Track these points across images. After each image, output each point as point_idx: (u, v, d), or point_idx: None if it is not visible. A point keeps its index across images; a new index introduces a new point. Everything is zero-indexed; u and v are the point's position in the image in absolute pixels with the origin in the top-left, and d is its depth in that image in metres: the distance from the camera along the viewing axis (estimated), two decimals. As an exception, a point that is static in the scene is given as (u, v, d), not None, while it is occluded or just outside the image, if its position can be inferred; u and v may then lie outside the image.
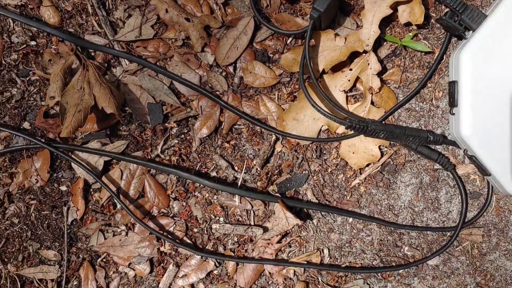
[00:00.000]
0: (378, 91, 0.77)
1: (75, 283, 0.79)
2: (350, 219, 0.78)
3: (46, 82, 0.78)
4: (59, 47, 0.78)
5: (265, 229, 0.77)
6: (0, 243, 0.79)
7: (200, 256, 0.77)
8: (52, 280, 0.78)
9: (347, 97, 0.78)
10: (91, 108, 0.73)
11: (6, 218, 0.79)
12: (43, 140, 0.77)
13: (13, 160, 0.79)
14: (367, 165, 0.78)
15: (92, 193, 0.79)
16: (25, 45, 0.79)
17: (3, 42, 0.79)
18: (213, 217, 0.78)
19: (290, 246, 0.78)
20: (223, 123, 0.79)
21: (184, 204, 0.78)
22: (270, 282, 0.78)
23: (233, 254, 0.78)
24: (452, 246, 0.77)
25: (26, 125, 0.79)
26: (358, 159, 0.78)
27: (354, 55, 0.77)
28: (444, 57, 0.77)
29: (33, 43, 0.79)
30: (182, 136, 0.79)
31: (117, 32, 0.79)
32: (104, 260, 0.79)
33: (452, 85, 0.71)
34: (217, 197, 0.78)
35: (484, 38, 0.67)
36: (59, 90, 0.74)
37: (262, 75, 0.78)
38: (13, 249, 0.79)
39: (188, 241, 0.78)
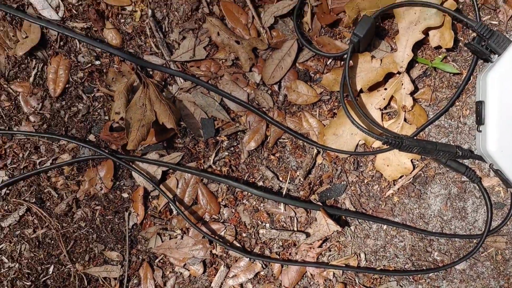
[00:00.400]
0: (410, 109, 0.86)
1: (135, 281, 0.89)
2: (385, 226, 0.87)
3: (109, 98, 0.88)
4: (121, 66, 0.88)
5: (307, 235, 0.86)
6: (69, 245, 0.88)
7: (248, 258, 0.87)
8: (115, 279, 0.88)
9: (382, 114, 0.86)
10: (153, 123, 0.82)
11: (74, 222, 0.89)
12: (107, 151, 0.86)
13: (80, 169, 0.89)
14: (400, 177, 0.87)
15: (151, 200, 0.88)
16: (90, 64, 0.89)
17: (71, 61, 0.88)
18: (260, 223, 0.88)
19: (330, 250, 0.87)
20: (269, 137, 0.88)
21: (233, 211, 0.88)
22: (311, 283, 0.87)
23: (278, 257, 0.87)
24: (478, 252, 0.86)
25: (91, 137, 0.88)
26: (392, 171, 0.86)
27: (388, 75, 0.85)
28: (471, 78, 0.86)
29: (97, 62, 0.89)
30: (232, 148, 0.88)
31: (173, 53, 0.88)
32: (161, 261, 0.89)
33: (479, 104, 0.79)
34: (263, 205, 0.87)
35: (509, 61, 0.76)
36: (124, 107, 0.84)
37: (304, 93, 0.87)
38: (81, 250, 0.89)
39: (238, 244, 0.87)
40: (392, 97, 0.86)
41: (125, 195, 0.87)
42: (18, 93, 0.88)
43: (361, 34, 0.79)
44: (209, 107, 0.87)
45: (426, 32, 0.84)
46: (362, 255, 0.86)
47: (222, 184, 0.86)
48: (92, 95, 0.88)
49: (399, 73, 0.85)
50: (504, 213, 0.84)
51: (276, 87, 0.87)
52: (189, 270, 0.87)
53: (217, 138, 0.87)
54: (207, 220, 0.87)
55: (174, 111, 0.84)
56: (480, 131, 0.79)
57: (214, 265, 0.87)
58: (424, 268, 0.86)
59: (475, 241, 0.85)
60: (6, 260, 0.87)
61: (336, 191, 0.86)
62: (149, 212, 0.87)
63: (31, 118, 0.87)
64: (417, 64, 0.86)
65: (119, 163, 0.85)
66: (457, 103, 0.85)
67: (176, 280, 0.87)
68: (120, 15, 0.88)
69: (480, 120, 0.79)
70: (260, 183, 0.87)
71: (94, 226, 0.87)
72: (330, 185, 0.86)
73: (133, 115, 0.82)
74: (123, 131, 0.84)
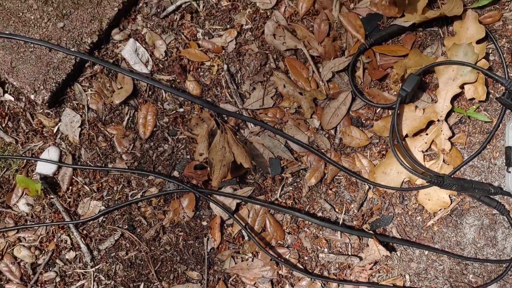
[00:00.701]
0: (448, 151, 1.03)
1: (213, 297, 1.06)
2: (426, 252, 1.04)
3: (190, 140, 1.05)
4: (201, 113, 1.05)
5: (360, 258, 1.03)
6: (157, 265, 1.05)
7: (309, 278, 1.03)
8: (196, 295, 1.05)
9: (424, 156, 1.03)
10: (231, 163, 1.00)
11: (160, 245, 1.06)
12: (189, 185, 1.03)
13: (166, 201, 1.06)
14: (439, 210, 1.03)
15: (226, 227, 1.05)
16: (174, 111, 1.06)
17: (158, 108, 1.06)
18: (320, 248, 1.04)
19: (379, 272, 1.04)
20: (327, 175, 1.05)
21: (296, 237, 1.05)
22: (364, 299, 1.04)
23: (335, 277, 1.04)
24: (507, 275, 1.02)
25: (175, 173, 1.06)
26: (432, 204, 1.03)
27: (430, 123, 1.02)
28: (500, 125, 1.03)
29: (180, 109, 1.06)
30: (295, 184, 1.05)
31: (245, 101, 1.06)
32: (234, 280, 1.05)
33: (508, 149, 0.97)
34: (322, 232, 1.04)
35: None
36: (206, 149, 1.01)
37: (357, 137, 1.05)
38: (166, 270, 1.06)
39: (300, 266, 1.04)
40: (432, 141, 1.02)
41: (204, 223, 1.04)
42: (113, 135, 1.05)
43: (408, 90, 0.96)
44: (276, 148, 1.04)
45: (462, 86, 1.00)
46: (407, 276, 1.02)
47: (287, 215, 1.03)
48: (176, 137, 1.05)
49: (438, 120, 1.01)
50: (529, 242, 1.00)
51: (332, 132, 1.04)
52: (259, 288, 1.03)
53: (283, 175, 1.04)
54: (274, 245, 1.04)
55: (248, 152, 1.01)
56: (509, 172, 0.96)
57: (280, 284, 1.03)
58: (460, 288, 1.02)
59: (504, 265, 1.01)
60: (103, 278, 1.04)
61: (384, 221, 1.03)
62: (224, 238, 1.04)
63: (124, 157, 1.05)
64: (454, 113, 1.03)
65: (200, 195, 1.02)
66: (488, 147, 1.02)
67: (248, 296, 1.04)
68: (199, 69, 1.05)
69: (509, 163, 0.96)
70: (319, 214, 1.03)
71: (177, 249, 1.04)
72: (380, 216, 1.03)
73: (214, 156, 0.99)
74: (204, 169, 1.01)
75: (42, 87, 1.00)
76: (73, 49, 1.00)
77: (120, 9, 1.02)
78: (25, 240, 1.05)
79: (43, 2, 1.01)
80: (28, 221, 1.05)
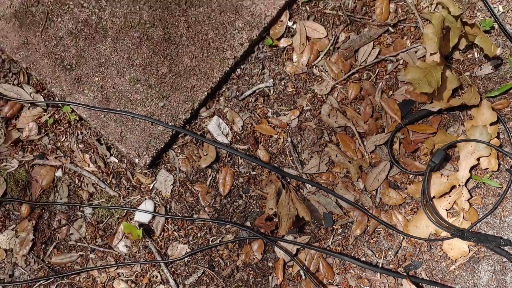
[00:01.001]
0: (467, 210, 1.32)
1: (278, 325, 1.33)
2: (450, 291, 1.31)
3: (260, 197, 1.34)
4: (270, 176, 1.35)
5: (397, 296, 1.31)
6: (233, 298, 1.33)
7: (356, 311, 1.31)
8: (265, 322, 1.32)
9: (447, 213, 1.32)
10: (295, 216, 1.29)
11: (235, 281, 1.34)
12: (259, 233, 1.32)
13: (239, 245, 1.34)
14: (460, 257, 1.32)
15: (287, 268, 1.34)
16: (248, 173, 1.36)
17: (234, 171, 1.36)
18: (362, 286, 1.33)
19: (412, 307, 1.31)
20: (369, 227, 1.34)
21: (343, 277, 1.33)
22: (400, 329, 1.31)
23: (376, 311, 1.31)
24: (515, 311, 1.29)
25: (247, 223, 1.35)
26: (454, 253, 1.32)
27: (452, 187, 1.32)
28: (509, 190, 1.32)
29: (253, 172, 1.36)
30: (343, 234, 1.34)
31: (304, 167, 1.36)
32: (295, 311, 1.33)
33: (516, 211, 1.25)
34: (365, 274, 1.33)
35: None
36: (275, 204, 1.30)
37: (394, 197, 1.34)
38: (240, 302, 1.34)
39: (348, 301, 1.32)
40: (455, 201, 1.31)
41: (270, 264, 1.33)
42: (198, 191, 1.35)
43: (436, 161, 1.26)
44: (328, 205, 1.33)
45: (478, 159, 1.30)
46: (434, 312, 1.30)
47: (336, 258, 1.31)
48: (249, 194, 1.34)
49: (459, 185, 1.31)
50: (533, 286, 1.28)
51: (374, 192, 1.33)
52: (315, 318, 1.31)
53: (334, 226, 1.33)
54: (325, 283, 1.32)
55: (307, 207, 1.30)
56: (516, 229, 1.24)
57: (332, 315, 1.31)
58: (478, 322, 1.29)
59: (513, 304, 1.28)
60: (189, 308, 1.32)
61: (415, 265, 1.31)
62: (286, 277, 1.32)
63: (206, 209, 1.34)
64: (471, 180, 1.32)
65: (267, 241, 1.31)
66: (499, 207, 1.31)
67: (306, 325, 1.31)
68: (268, 141, 1.36)
69: (516, 222, 1.24)
70: (363, 258, 1.32)
71: (248, 285, 1.33)
72: (411, 261, 1.31)
73: (282, 210, 1.28)
74: (272, 221, 1.30)
75: (144, 153, 1.30)
76: (170, 124, 1.30)
77: (208, 93, 1.32)
78: (123, 275, 1.33)
79: (148, 86, 1.32)
80: (126, 260, 1.34)
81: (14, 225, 1.32)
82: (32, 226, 1.31)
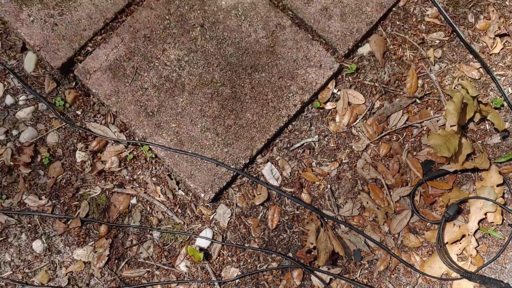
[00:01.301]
0: (474, 256, 1.60)
1: None
2: (456, 324, 1.59)
3: (302, 233, 1.63)
4: (311, 215, 1.64)
5: (412, 324, 1.58)
6: (275, 316, 1.61)
7: (377, 335, 1.58)
8: None
9: (458, 257, 1.61)
10: (331, 251, 1.58)
11: None
12: (299, 263, 1.61)
13: (282, 272, 1.63)
14: None
15: None
16: (293, 212, 1.65)
17: (281, 209, 1.65)
18: None
19: (424, 335, 1.59)
20: (391, 264, 1.62)
21: None
22: None
23: (394, 336, 1.59)
24: None
25: (290, 254, 1.64)
26: None
27: (463, 236, 1.61)
28: (510, 241, 1.61)
29: (297, 212, 1.66)
30: (369, 268, 1.62)
31: (339, 210, 1.65)
32: (326, 331, 1.61)
33: (515, 259, 1.54)
34: None
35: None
36: (315, 240, 1.59)
37: (413, 241, 1.63)
38: (281, 320, 1.61)
39: (371, 326, 1.59)
40: (464, 248, 1.60)
41: None
42: (250, 224, 1.64)
43: (451, 214, 1.55)
44: (358, 243, 1.63)
45: (486, 213, 1.59)
46: None
47: None
48: (292, 230, 1.64)
49: (469, 235, 1.60)
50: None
51: (397, 235, 1.62)
52: (343, 339, 1.58)
53: (361, 262, 1.62)
54: None
55: (342, 244, 1.59)
56: (515, 275, 1.53)
57: (357, 337, 1.58)
58: None
59: (509, 338, 1.56)
60: (237, 322, 1.60)
61: None
62: None
63: (256, 240, 1.63)
64: (479, 231, 1.61)
65: (305, 270, 1.60)
66: (501, 256, 1.59)
67: None
68: (311, 186, 1.66)
69: (515, 269, 1.53)
70: None
71: None
72: None
73: (320, 245, 1.57)
74: (311, 253, 1.59)
75: (209, 189, 1.60)
76: (232, 166, 1.61)
77: (265, 143, 1.63)
78: (182, 290, 1.61)
79: (216, 134, 1.63)
80: (185, 278, 1.62)
81: (93, 242, 1.60)
82: (109, 243, 1.59)
